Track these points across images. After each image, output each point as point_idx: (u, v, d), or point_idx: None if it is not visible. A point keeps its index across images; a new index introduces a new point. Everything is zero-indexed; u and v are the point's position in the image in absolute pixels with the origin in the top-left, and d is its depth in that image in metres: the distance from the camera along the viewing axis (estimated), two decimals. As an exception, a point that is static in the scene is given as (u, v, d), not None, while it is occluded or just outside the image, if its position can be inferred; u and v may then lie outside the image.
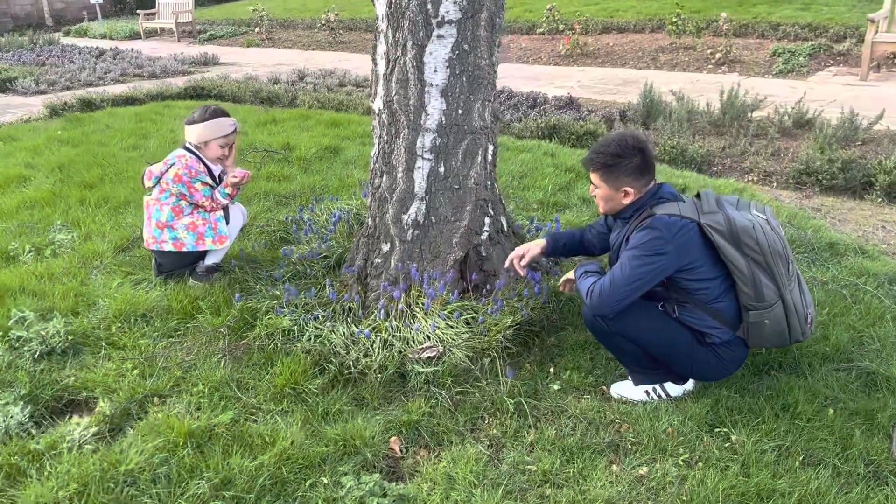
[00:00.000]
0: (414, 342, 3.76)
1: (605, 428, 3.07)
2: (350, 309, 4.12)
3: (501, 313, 3.86)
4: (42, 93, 12.02)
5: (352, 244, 4.69)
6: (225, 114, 4.44)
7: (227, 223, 4.50)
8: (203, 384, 3.30)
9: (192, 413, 3.14)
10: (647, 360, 3.28)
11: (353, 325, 3.96)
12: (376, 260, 4.37)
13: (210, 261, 4.52)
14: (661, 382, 3.34)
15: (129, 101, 10.08)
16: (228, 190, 4.42)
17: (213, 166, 4.50)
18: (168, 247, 4.19)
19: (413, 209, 4.14)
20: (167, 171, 4.31)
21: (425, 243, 4.19)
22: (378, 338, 3.78)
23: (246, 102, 10.04)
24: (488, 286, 4.33)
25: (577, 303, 4.17)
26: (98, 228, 5.22)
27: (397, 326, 3.89)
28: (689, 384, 3.37)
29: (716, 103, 8.45)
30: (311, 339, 3.78)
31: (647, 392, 3.35)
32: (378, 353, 3.67)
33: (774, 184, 6.32)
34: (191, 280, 4.51)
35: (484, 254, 4.32)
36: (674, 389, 3.34)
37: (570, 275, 3.56)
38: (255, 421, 3.06)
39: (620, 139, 3.23)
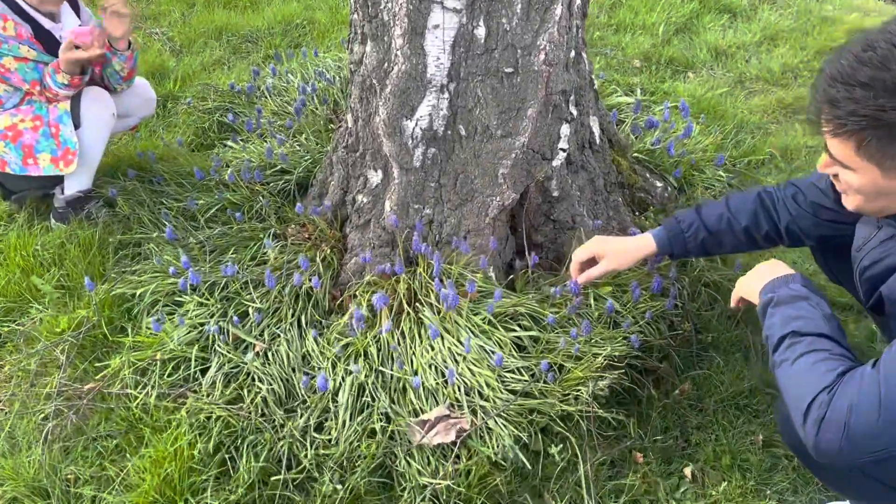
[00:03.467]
0: (415, 399, 1.94)
1: None
2: (308, 296, 2.27)
3: (586, 340, 1.97)
4: None
5: (324, 157, 2.72)
6: None
7: (79, 125, 2.52)
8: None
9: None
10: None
11: (307, 339, 2.13)
12: (360, 197, 2.43)
13: (73, 187, 2.62)
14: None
15: None
16: (61, 78, 2.40)
17: (49, 22, 2.45)
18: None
19: (424, 109, 2.13)
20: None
21: (447, 174, 2.22)
22: (347, 379, 1.96)
23: None
24: (557, 249, 2.39)
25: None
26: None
27: (386, 351, 2.05)
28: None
29: None
30: (216, 386, 1.98)
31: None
32: (342, 428, 1.87)
33: None
34: (52, 219, 2.66)
35: (555, 192, 2.33)
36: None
37: (747, 291, 1.60)
38: None
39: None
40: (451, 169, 2.22)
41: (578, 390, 1.90)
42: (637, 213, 2.63)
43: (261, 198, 2.63)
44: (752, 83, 3.62)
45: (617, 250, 1.81)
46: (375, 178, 2.36)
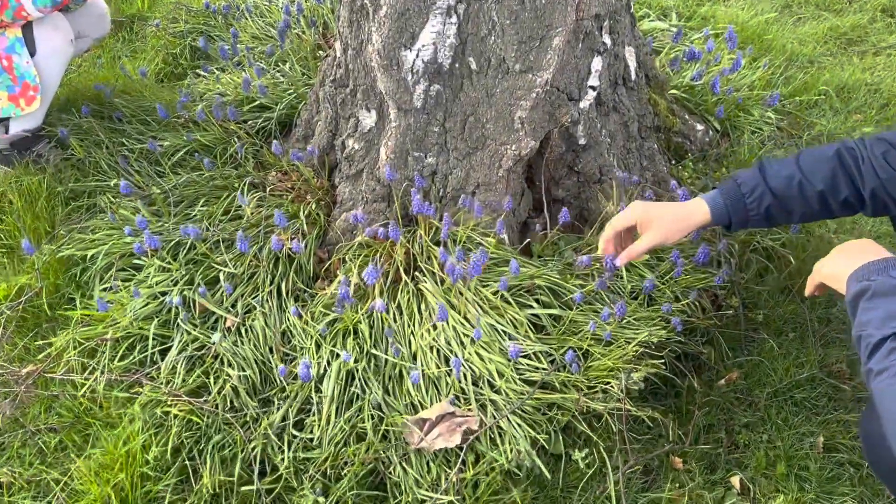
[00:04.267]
0: (413, 390, 1.63)
1: None
2: (290, 259, 1.93)
3: (618, 320, 1.65)
4: None
5: (310, 93, 2.33)
6: None
7: (34, 53, 2.12)
8: None
9: None
10: None
11: (288, 312, 1.81)
12: (350, 142, 2.06)
13: (19, 125, 2.23)
14: None
15: None
16: None
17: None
18: None
19: (427, 36, 1.75)
20: None
21: (453, 117, 1.85)
22: (333, 364, 1.65)
23: None
24: (581, 206, 2.05)
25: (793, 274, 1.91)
26: None
27: (380, 330, 1.73)
28: None
29: None
30: (177, 372, 1.66)
31: None
32: (326, 426, 1.57)
33: None
34: (-6, 161, 2.30)
35: (582, 139, 1.97)
36: None
37: (831, 276, 1.27)
38: None
39: None
40: (458, 111, 1.84)
41: (608, 383, 1.59)
42: (673, 162, 2.26)
43: (236, 139, 2.25)
44: (801, 8, 3.18)
45: (663, 220, 1.46)
46: (369, 119, 1.98)
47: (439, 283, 1.78)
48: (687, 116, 2.36)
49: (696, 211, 1.46)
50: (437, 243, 1.81)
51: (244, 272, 1.90)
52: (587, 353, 1.66)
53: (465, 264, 1.70)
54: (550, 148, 1.96)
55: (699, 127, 2.36)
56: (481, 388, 1.63)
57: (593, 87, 1.92)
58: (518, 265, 1.68)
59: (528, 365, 1.64)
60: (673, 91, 2.38)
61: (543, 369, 1.63)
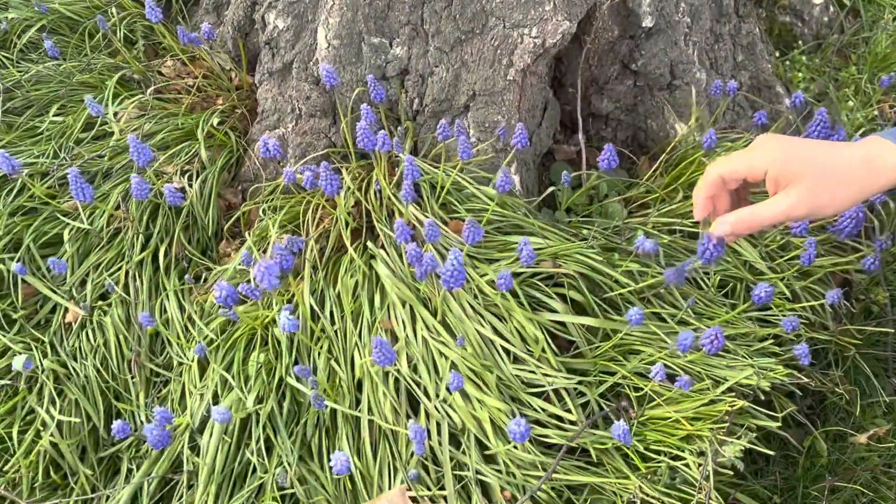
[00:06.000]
0: (353, 454, 0.97)
1: None
2: (177, 210, 1.23)
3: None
4: None
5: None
6: None
7: None
8: None
9: None
10: None
11: (170, 301, 1.14)
12: (273, 18, 1.28)
13: None
14: None
15: None
16: None
17: None
18: None
19: None
20: None
21: (434, -21, 1.08)
22: (225, 400, 0.99)
23: None
24: (637, 126, 1.31)
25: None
26: None
27: (308, 335, 1.06)
28: None
29: None
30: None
31: None
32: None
33: None
34: None
35: (647, 20, 1.19)
36: None
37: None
38: None
39: None
40: (441, -34, 1.08)
41: (681, 458, 0.93)
42: (777, 55, 1.49)
43: (114, 9, 1.49)
44: None
45: (821, 176, 0.70)
46: (296, -20, 1.21)
47: (405, 261, 1.09)
48: (800, -18, 1.55)
49: (878, 161, 0.71)
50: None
51: (102, 230, 1.21)
52: (642, 393, 0.99)
53: (446, 243, 1.00)
54: (594, 33, 1.19)
55: (816, 0, 1.56)
56: (466, 450, 0.98)
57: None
58: (532, 250, 0.97)
59: (543, 413, 0.98)
60: (780, -59, 1.56)
61: (571, 424, 0.97)
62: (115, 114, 1.35)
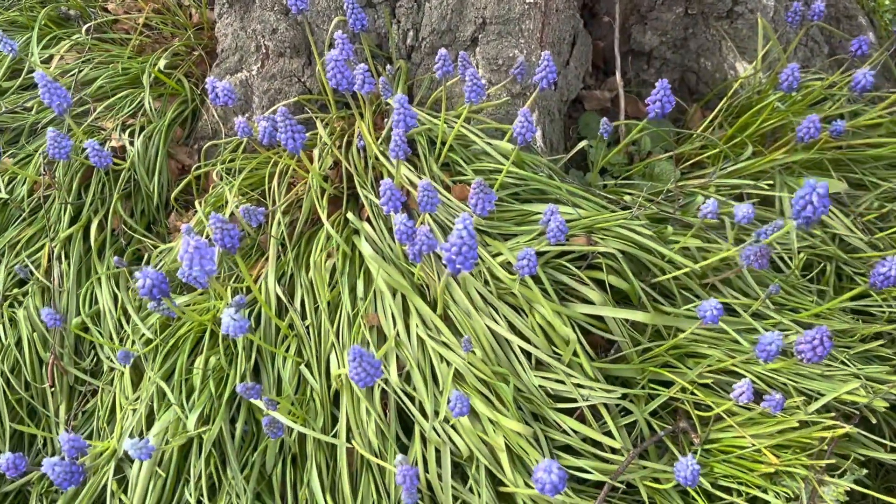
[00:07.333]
0: (321, 494, 0.75)
1: None
2: (116, 174, 0.99)
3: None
4: None
5: None
6: None
7: None
8: None
9: None
10: None
11: (101, 287, 0.90)
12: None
13: None
14: None
15: None
16: None
17: None
18: None
19: None
20: None
21: None
22: (161, 420, 0.76)
23: None
24: (687, 64, 1.05)
25: None
26: None
27: (268, 335, 0.82)
28: None
29: None
30: None
31: None
32: None
33: None
34: None
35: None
36: None
37: None
38: None
39: None
40: None
41: (762, 500, 0.69)
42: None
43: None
44: None
45: None
46: None
47: (395, 237, 0.84)
48: None
49: None
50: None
51: (23, 200, 0.97)
52: (707, 411, 0.75)
53: (461, 187, 0.76)
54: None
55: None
56: (473, 487, 0.74)
57: None
58: (562, 221, 0.72)
59: (576, 436, 0.74)
60: None
61: (612, 453, 0.73)
62: (51, 58, 1.10)
